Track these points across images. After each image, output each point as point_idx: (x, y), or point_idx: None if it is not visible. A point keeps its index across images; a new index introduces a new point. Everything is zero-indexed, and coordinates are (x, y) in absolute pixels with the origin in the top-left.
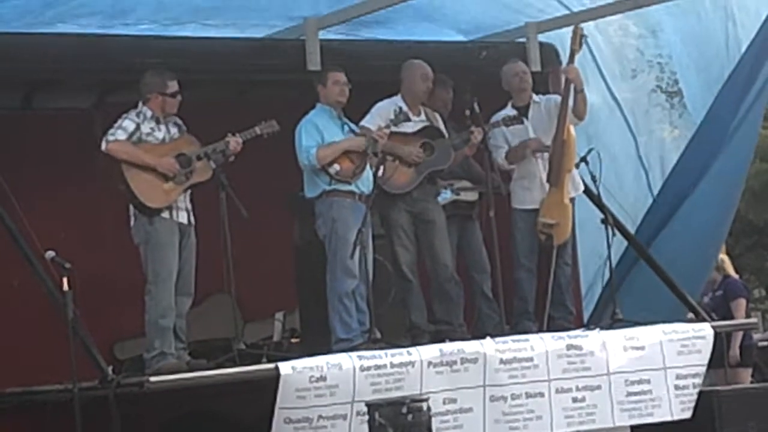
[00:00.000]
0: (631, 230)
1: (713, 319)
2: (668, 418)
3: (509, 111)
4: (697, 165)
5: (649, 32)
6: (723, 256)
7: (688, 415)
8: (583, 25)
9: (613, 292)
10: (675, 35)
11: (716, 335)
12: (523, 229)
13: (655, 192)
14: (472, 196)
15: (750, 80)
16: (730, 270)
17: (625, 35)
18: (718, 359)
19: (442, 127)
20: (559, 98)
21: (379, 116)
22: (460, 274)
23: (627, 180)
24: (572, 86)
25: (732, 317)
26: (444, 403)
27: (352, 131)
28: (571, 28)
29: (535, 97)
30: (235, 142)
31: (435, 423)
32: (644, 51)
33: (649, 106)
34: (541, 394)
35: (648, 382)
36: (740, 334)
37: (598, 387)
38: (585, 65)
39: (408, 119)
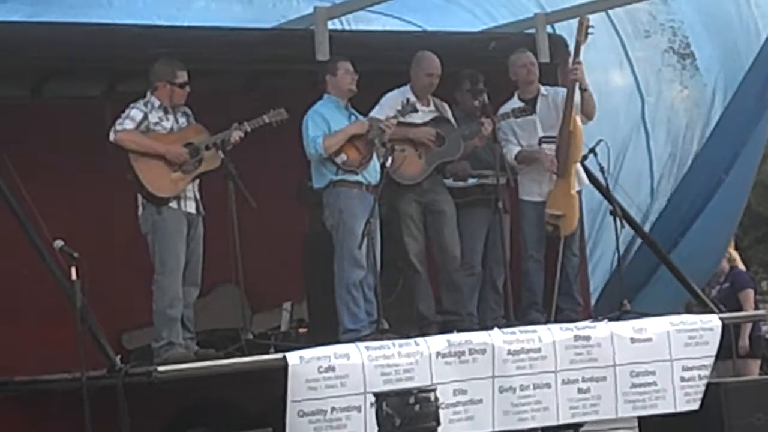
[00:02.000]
0: (636, 218)
1: (721, 311)
2: (672, 410)
3: (516, 103)
4: (727, 154)
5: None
6: (733, 252)
7: (694, 406)
8: None
9: (621, 283)
10: (687, 5)
11: (724, 327)
12: (531, 221)
13: (653, 153)
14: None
15: None
16: (740, 264)
17: None
18: (726, 351)
19: (451, 117)
20: (566, 91)
21: (388, 107)
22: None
23: (625, 143)
24: (577, 84)
25: (741, 309)
26: (454, 394)
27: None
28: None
29: (542, 89)
30: (237, 132)
31: (447, 414)
32: (656, 15)
33: (662, 66)
34: (548, 385)
35: (653, 373)
36: (749, 324)
37: (603, 378)
38: (599, 23)
39: (416, 110)
